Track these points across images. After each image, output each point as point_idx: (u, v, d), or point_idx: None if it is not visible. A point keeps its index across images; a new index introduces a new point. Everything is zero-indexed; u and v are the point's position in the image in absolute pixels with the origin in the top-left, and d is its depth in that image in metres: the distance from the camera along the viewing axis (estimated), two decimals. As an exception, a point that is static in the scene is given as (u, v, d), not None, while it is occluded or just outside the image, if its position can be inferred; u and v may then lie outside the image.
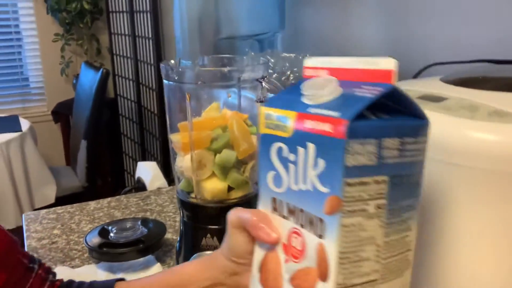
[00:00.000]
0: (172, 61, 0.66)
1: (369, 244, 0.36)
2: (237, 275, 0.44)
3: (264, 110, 0.40)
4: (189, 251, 0.67)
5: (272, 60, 1.10)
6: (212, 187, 0.62)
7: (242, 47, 1.27)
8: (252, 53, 1.15)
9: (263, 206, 0.40)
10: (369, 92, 0.35)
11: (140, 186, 1.93)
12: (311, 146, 0.35)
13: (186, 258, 0.65)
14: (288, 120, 0.37)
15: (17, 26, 3.19)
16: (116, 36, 2.93)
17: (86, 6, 2.92)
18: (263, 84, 0.60)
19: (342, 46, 1.23)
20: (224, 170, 0.62)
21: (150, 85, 2.54)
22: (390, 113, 0.37)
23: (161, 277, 0.52)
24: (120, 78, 3.00)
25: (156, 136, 2.59)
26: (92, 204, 1.11)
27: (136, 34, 2.60)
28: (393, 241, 0.38)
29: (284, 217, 0.39)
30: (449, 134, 0.45)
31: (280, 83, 1.13)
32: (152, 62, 2.44)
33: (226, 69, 0.64)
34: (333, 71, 0.39)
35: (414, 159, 0.38)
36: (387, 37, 1.09)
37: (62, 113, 3.12)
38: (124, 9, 2.69)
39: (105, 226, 0.85)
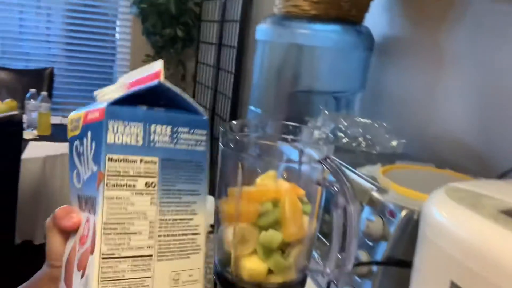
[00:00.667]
0: (234, 122, 0.62)
1: (139, 219, 0.39)
2: (59, 280, 0.43)
3: (70, 118, 0.44)
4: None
5: (345, 124, 1.05)
6: (251, 267, 0.57)
7: (318, 102, 1.23)
8: (326, 112, 1.10)
9: (74, 206, 0.42)
10: (137, 88, 0.40)
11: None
12: (89, 135, 0.39)
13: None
14: (80, 119, 0.42)
15: (114, 42, 3.39)
16: (202, 65, 3.02)
17: (180, 34, 3.04)
18: (325, 166, 0.54)
19: (424, 118, 1.14)
20: (267, 250, 0.57)
21: (224, 116, 2.56)
22: (171, 109, 0.42)
23: None
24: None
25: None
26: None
27: (220, 66, 2.65)
28: (171, 220, 0.41)
29: (83, 210, 0.40)
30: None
31: (351, 148, 1.06)
32: (229, 94, 2.46)
33: (287, 145, 0.59)
34: (130, 85, 0.43)
35: (192, 148, 0.45)
36: (476, 122, 1.00)
37: (139, 129, 3.24)
38: (214, 41, 2.77)
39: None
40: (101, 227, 0.37)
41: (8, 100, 2.43)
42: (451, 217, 0.52)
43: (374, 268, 0.73)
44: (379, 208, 0.75)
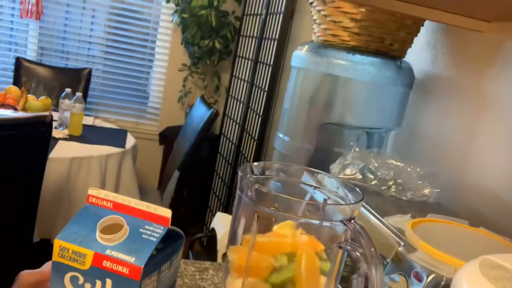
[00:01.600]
0: (256, 164, 0.58)
1: None
2: None
3: (60, 244, 0.45)
4: None
5: (376, 164, 0.99)
6: (258, 327, 0.53)
7: (349, 136, 1.18)
8: (357, 149, 1.04)
9: None
10: (151, 235, 0.45)
11: (211, 236, 1.89)
12: (108, 282, 0.43)
13: None
14: (85, 257, 0.44)
15: (153, 48, 3.42)
16: (236, 79, 3.00)
17: (218, 46, 3.04)
18: (349, 228, 0.50)
19: (461, 166, 1.08)
20: (276, 311, 0.52)
21: (253, 134, 2.53)
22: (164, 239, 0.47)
23: None
24: (228, 119, 3.05)
25: None
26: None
27: (254, 83, 2.63)
28: None
29: None
30: None
31: (379, 191, 1.01)
32: (260, 112, 2.43)
33: (307, 201, 0.55)
34: (116, 205, 0.48)
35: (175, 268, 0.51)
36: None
37: (168, 137, 3.25)
38: (250, 57, 2.75)
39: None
40: None
41: (43, 98, 2.47)
42: (484, 301, 0.46)
43: (393, 333, 0.67)
44: (404, 268, 0.69)
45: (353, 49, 1.13)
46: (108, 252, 0.44)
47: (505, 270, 0.51)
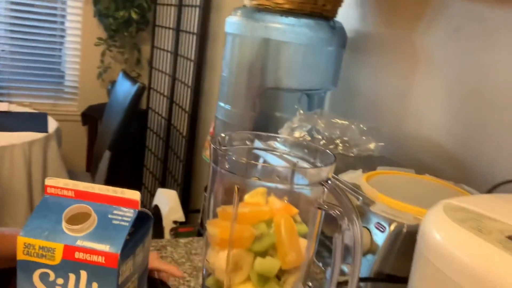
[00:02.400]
0: (223, 135, 0.57)
1: None
2: None
3: (24, 241, 0.43)
4: None
5: (322, 125, 1.02)
6: (246, 295, 0.53)
7: (290, 99, 1.19)
8: (302, 111, 1.06)
9: None
10: (121, 220, 0.44)
11: (154, 213, 1.86)
12: (83, 273, 0.42)
13: None
14: (54, 251, 0.42)
15: (62, 23, 3.19)
16: (158, 50, 2.90)
17: (134, 16, 2.90)
18: (327, 188, 0.51)
19: (399, 119, 1.13)
20: (262, 279, 0.53)
21: (184, 105, 2.48)
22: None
23: None
24: (154, 92, 2.96)
25: (180, 157, 2.53)
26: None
27: (179, 52, 2.56)
28: None
29: None
30: None
31: (328, 150, 1.04)
32: (189, 83, 2.38)
33: (288, 168, 0.55)
34: (78, 193, 0.46)
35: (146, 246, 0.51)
36: (451, 124, 0.99)
37: (91, 116, 3.09)
38: (171, 26, 2.66)
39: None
40: None
41: None
42: (456, 242, 0.50)
43: (362, 283, 0.71)
44: (365, 221, 0.72)
45: (288, 12, 1.13)
46: (79, 243, 0.42)
47: (468, 211, 0.55)
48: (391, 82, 1.17)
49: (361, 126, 1.02)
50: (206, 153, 2.03)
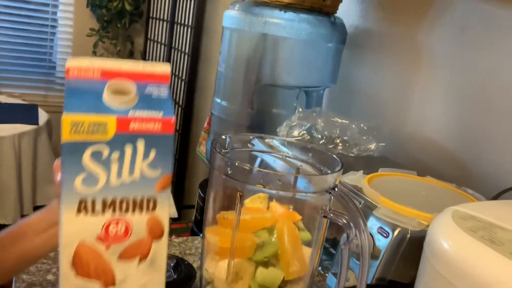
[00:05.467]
0: (223, 137, 0.55)
1: None
2: None
3: (71, 120, 0.39)
4: None
5: (322, 124, 0.99)
6: (247, 307, 0.51)
7: (288, 96, 1.16)
8: (301, 109, 1.04)
9: (68, 210, 0.40)
10: (159, 94, 0.42)
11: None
12: (140, 144, 0.40)
13: None
14: (106, 125, 0.39)
15: (54, 13, 3.13)
16: (151, 42, 2.86)
17: (128, 7, 2.85)
18: (333, 196, 0.48)
19: (399, 118, 1.11)
20: (265, 289, 0.51)
21: (177, 99, 2.45)
22: None
23: (4, 231, 0.59)
24: (147, 85, 2.92)
25: (173, 152, 2.49)
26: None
27: (173, 45, 2.52)
28: None
29: (93, 215, 0.41)
30: None
31: (327, 150, 1.01)
32: (184, 77, 2.35)
33: (291, 175, 0.53)
34: (105, 73, 0.41)
35: None
36: (453, 124, 0.97)
37: (83, 108, 3.04)
38: (165, 18, 2.62)
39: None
40: (169, 218, 0.42)
41: None
42: (467, 253, 0.48)
43: (364, 289, 0.69)
44: (368, 224, 0.70)
45: (287, 7, 1.10)
46: (132, 113, 0.39)
47: (478, 220, 0.53)
48: (392, 81, 1.14)
49: (361, 125, 1.00)
50: (201, 149, 2.00)
